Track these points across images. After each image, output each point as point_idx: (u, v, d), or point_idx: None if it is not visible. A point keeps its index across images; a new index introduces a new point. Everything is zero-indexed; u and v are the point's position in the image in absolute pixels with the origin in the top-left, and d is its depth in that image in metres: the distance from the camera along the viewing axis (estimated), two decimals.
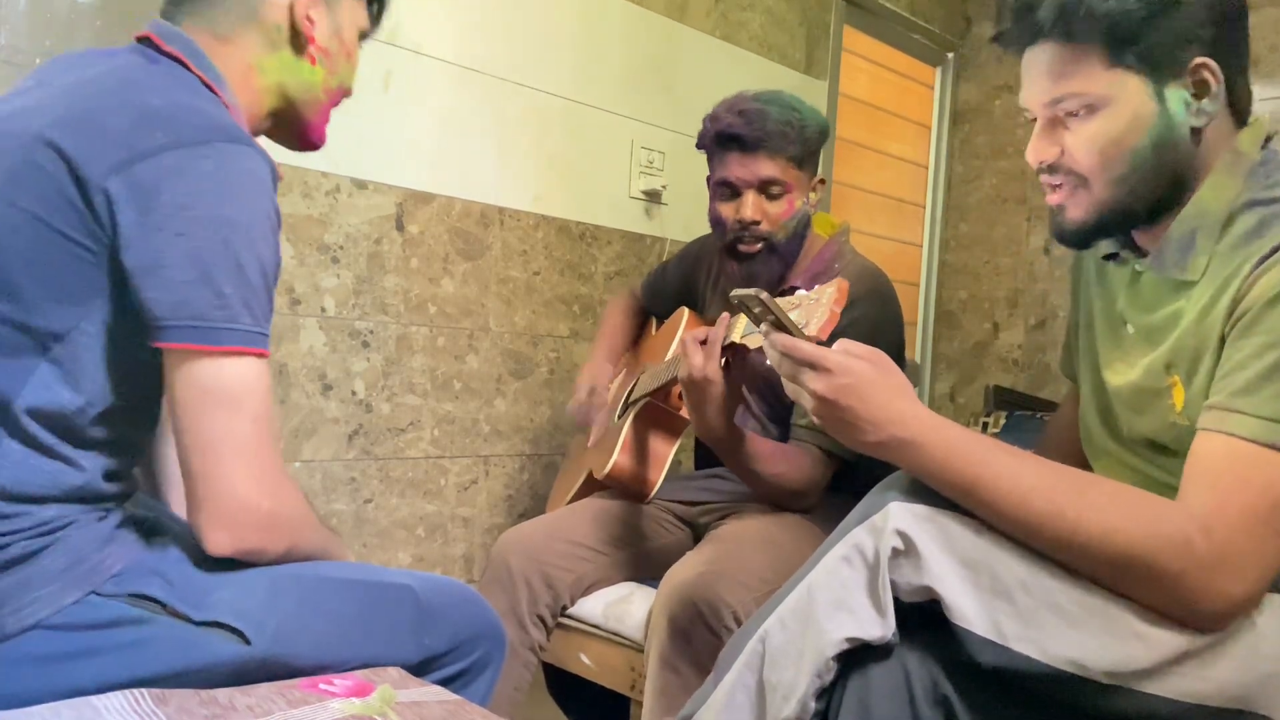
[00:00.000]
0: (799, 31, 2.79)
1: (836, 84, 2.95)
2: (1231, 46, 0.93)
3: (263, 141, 0.98)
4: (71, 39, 1.54)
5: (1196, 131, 0.94)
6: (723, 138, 1.53)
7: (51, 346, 0.87)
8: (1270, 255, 0.86)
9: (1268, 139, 0.96)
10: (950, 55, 3.46)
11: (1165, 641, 0.81)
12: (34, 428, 0.87)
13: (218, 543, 0.88)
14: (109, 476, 0.92)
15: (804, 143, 1.52)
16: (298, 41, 1.04)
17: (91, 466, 0.90)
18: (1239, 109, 0.96)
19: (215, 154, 0.87)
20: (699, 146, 1.60)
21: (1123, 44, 0.91)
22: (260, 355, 0.89)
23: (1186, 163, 0.94)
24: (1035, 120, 0.98)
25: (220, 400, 0.86)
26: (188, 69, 0.96)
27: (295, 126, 1.10)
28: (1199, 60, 0.91)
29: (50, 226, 0.86)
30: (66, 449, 0.89)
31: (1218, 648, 0.82)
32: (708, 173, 1.61)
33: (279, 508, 0.90)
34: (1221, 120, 0.95)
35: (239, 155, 0.89)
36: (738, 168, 1.53)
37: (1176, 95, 0.92)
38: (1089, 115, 0.93)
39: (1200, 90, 0.92)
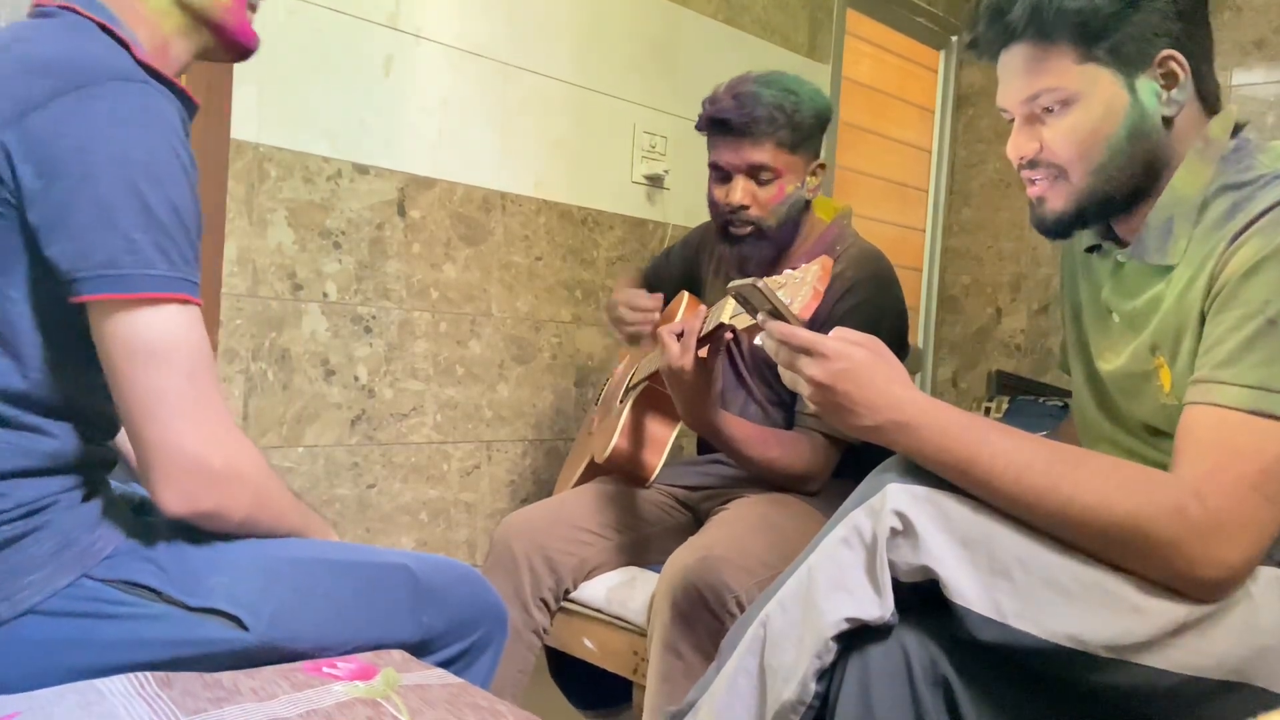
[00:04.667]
0: (802, 15, 2.78)
1: (839, 68, 2.93)
2: (1196, 39, 0.97)
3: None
4: None
5: (1168, 120, 0.97)
6: (713, 122, 1.53)
7: None
8: (1243, 232, 0.88)
9: (1238, 127, 0.99)
10: (954, 38, 3.44)
11: (1163, 614, 0.82)
12: None
13: (170, 503, 0.84)
14: (84, 440, 0.89)
15: (795, 128, 1.50)
16: None
17: (61, 432, 0.87)
18: (1208, 98, 0.99)
19: (108, 93, 0.82)
20: (698, 128, 1.60)
21: (1093, 39, 0.94)
22: (184, 301, 0.84)
23: (1160, 151, 0.97)
24: (1014, 120, 1.02)
25: (148, 355, 0.82)
26: (80, 15, 0.90)
27: (215, 38, 1.00)
28: (1166, 52, 0.95)
29: None
30: (29, 417, 0.85)
31: (1215, 620, 0.83)
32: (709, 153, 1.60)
33: (232, 463, 0.87)
34: (1191, 109, 0.98)
35: (134, 92, 0.84)
36: (727, 152, 1.52)
37: (1147, 86, 0.96)
38: (1065, 109, 0.97)
39: (1169, 81, 0.96)
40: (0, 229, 0.83)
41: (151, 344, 0.82)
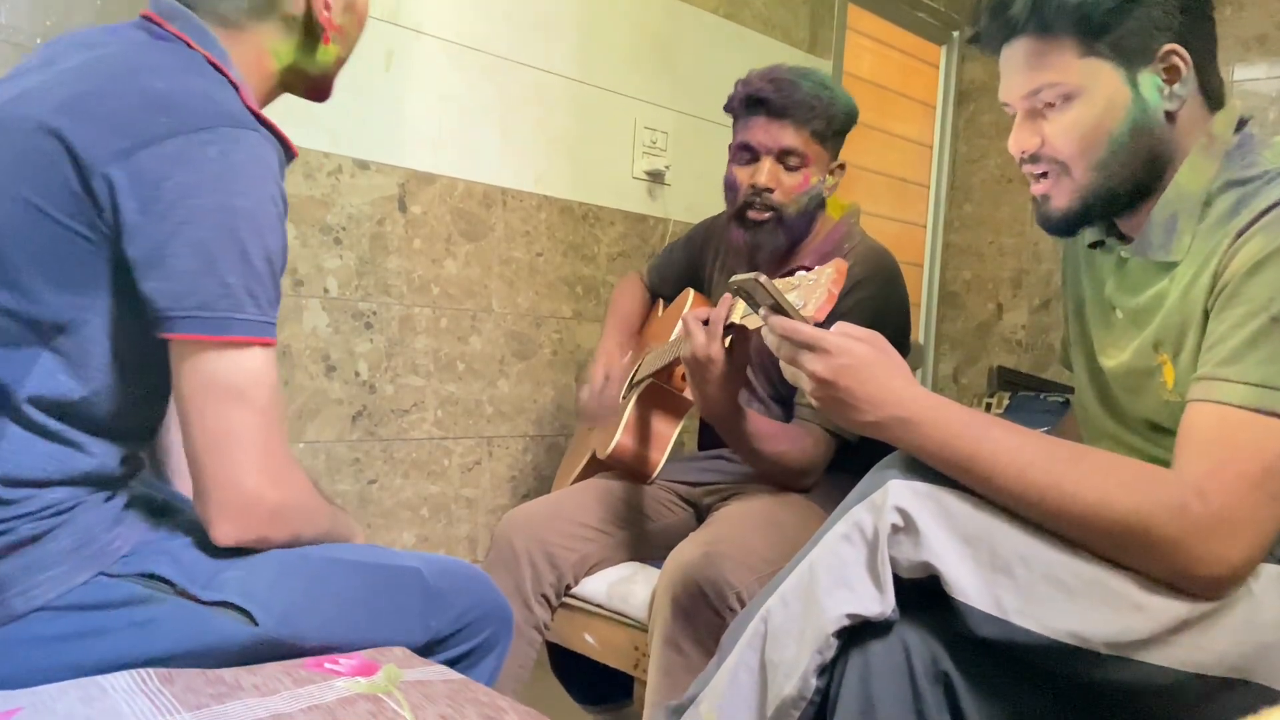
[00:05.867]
0: (803, 9, 2.77)
1: (841, 63, 2.93)
2: (1199, 33, 0.96)
3: (280, 119, 0.95)
4: (72, 18, 1.53)
5: (1171, 115, 0.97)
6: (750, 100, 1.53)
7: (54, 337, 0.86)
8: (1247, 228, 0.88)
9: (1242, 122, 0.98)
10: (955, 33, 3.43)
11: (1164, 611, 0.82)
12: (36, 415, 0.86)
13: (224, 534, 0.87)
14: (118, 461, 0.92)
15: (829, 119, 1.52)
16: (314, 29, 1.01)
17: (100, 451, 0.90)
18: (1211, 93, 0.99)
19: (219, 140, 0.85)
20: (726, 109, 1.60)
21: (1094, 34, 0.94)
22: (266, 345, 0.88)
23: (1163, 146, 0.97)
24: (1015, 115, 1.02)
25: (226, 392, 0.85)
26: (192, 48, 0.93)
27: (305, 91, 1.09)
28: (1169, 47, 0.95)
29: (50, 216, 0.84)
30: (74, 434, 0.88)
31: (1216, 617, 0.83)
32: (730, 140, 1.60)
33: (286, 499, 0.90)
34: (1194, 104, 0.98)
35: (244, 141, 0.87)
36: (760, 132, 1.53)
37: (1149, 81, 0.96)
38: (1066, 104, 0.97)
39: (1171, 76, 0.96)
40: (90, 256, 0.85)
41: (233, 383, 0.85)
